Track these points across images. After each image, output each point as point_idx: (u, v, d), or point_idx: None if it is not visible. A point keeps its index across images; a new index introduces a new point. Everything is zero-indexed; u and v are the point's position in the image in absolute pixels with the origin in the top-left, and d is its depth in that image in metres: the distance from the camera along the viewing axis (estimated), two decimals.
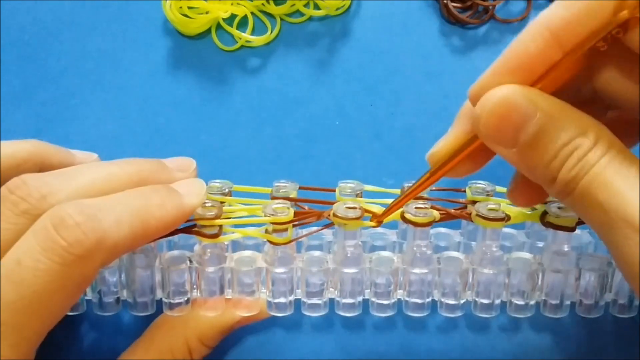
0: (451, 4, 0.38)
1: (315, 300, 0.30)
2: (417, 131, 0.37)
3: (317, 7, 0.38)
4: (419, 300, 0.30)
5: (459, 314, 0.30)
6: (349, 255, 0.29)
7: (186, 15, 0.37)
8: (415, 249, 0.29)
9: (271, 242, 0.29)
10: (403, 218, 0.29)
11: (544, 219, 0.29)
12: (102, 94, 0.38)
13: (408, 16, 0.38)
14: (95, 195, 0.24)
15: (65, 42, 0.38)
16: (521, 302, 0.30)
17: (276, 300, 0.30)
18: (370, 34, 0.38)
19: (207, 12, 0.37)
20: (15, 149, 0.28)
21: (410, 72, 0.38)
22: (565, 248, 0.29)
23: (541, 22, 0.22)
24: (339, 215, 0.28)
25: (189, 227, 0.28)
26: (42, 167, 0.28)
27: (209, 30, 0.38)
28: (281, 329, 0.34)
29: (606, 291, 0.30)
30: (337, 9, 0.38)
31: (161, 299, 0.30)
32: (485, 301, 0.30)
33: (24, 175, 0.24)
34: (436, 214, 0.29)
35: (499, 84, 0.22)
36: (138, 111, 0.38)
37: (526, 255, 0.30)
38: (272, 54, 0.38)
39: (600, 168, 0.20)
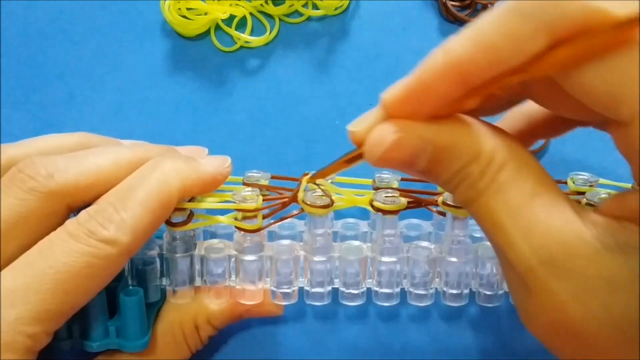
0: (450, 3, 0.38)
1: (318, 289, 0.30)
2: None
3: (315, 7, 0.38)
4: (388, 290, 0.30)
5: (428, 303, 0.30)
6: (317, 244, 0.29)
7: (185, 17, 0.37)
8: (385, 238, 0.29)
9: (239, 229, 0.29)
10: (372, 206, 0.29)
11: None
12: (101, 95, 0.38)
13: (407, 15, 0.38)
14: (102, 178, 0.26)
15: (64, 43, 0.38)
16: (490, 293, 0.30)
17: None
18: (369, 34, 0.38)
19: (205, 13, 0.37)
20: (63, 140, 0.29)
21: (409, 71, 0.38)
22: None
23: (446, 61, 0.21)
24: (308, 202, 0.28)
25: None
26: None
27: (207, 31, 0.38)
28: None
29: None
30: (336, 8, 0.38)
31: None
32: (454, 291, 0.30)
33: (34, 156, 0.26)
34: (404, 201, 0.29)
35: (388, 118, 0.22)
36: (137, 112, 0.37)
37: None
38: (271, 55, 0.38)
39: (487, 197, 0.21)
